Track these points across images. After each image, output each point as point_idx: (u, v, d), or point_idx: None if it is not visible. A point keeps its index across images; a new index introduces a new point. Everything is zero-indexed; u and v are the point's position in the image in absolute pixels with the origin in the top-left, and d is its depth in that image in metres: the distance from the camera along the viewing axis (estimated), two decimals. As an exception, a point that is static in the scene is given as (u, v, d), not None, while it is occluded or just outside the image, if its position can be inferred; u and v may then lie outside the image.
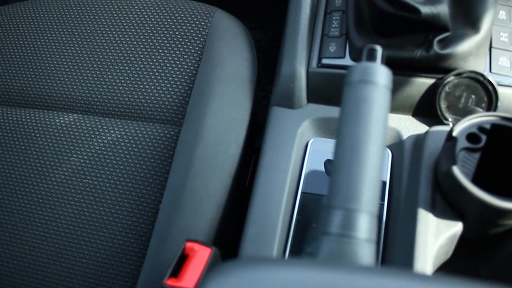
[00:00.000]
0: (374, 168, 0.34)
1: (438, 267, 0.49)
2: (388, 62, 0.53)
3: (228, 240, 0.58)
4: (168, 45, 0.68)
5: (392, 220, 0.48)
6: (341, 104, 0.37)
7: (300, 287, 0.27)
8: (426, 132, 0.51)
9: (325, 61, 0.57)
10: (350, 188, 0.33)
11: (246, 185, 0.66)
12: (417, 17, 0.50)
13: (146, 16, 0.71)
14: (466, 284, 0.26)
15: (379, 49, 0.37)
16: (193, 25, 0.68)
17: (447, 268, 0.50)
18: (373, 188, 0.33)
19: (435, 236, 0.44)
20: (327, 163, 0.54)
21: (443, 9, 0.51)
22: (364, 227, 0.32)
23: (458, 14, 0.54)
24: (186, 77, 0.64)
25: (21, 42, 0.74)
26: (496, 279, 0.49)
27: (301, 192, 0.52)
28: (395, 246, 0.46)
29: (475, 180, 0.44)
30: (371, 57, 0.37)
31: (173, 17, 0.70)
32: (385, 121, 0.36)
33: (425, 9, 0.50)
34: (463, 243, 0.48)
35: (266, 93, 0.67)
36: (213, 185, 0.55)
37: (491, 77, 0.53)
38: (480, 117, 0.47)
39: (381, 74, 0.36)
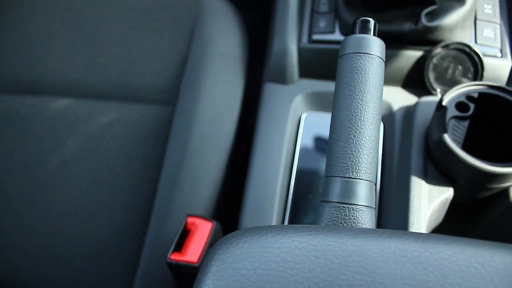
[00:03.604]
0: (371, 138, 0.35)
1: (431, 231, 0.51)
2: (378, 35, 0.55)
3: (227, 214, 0.60)
4: (158, 26, 0.67)
5: (386, 188, 0.50)
6: (336, 75, 0.38)
7: (307, 251, 0.28)
8: (416, 103, 0.53)
9: (315, 36, 0.58)
10: (348, 158, 0.34)
11: (241, 159, 0.67)
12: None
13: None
14: (464, 242, 0.28)
15: (371, 21, 0.38)
16: (183, 5, 0.68)
17: (439, 232, 0.52)
18: (371, 157, 0.35)
19: (428, 202, 0.46)
20: (319, 140, 0.55)
21: (430, -18, 0.52)
22: (363, 194, 0.34)
23: (444, -13, 0.55)
24: (178, 57, 0.64)
25: (12, 28, 0.73)
26: (485, 239, 0.52)
27: (297, 165, 0.53)
28: (390, 213, 0.48)
29: (465, 147, 0.46)
30: (364, 29, 0.38)
31: (161, 2, 0.70)
32: (380, 91, 0.37)
33: (412, -17, 0.51)
34: (453, 208, 0.50)
35: (255, 71, 0.67)
36: (210, 162, 0.56)
37: (477, 48, 0.54)
38: (468, 87, 0.48)
39: (375, 45, 0.37)
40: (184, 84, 0.62)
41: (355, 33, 0.38)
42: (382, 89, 0.37)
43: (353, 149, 0.35)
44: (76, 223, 0.58)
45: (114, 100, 0.65)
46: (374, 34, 0.38)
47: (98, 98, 0.66)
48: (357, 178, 0.34)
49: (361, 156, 0.34)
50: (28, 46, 0.71)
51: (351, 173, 0.34)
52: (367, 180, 0.34)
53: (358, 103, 0.35)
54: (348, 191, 0.34)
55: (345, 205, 0.33)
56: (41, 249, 0.58)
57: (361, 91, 0.36)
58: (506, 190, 0.47)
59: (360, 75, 0.36)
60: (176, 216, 0.53)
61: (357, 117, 0.35)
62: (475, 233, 0.52)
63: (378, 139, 0.36)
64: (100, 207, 0.58)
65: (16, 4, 0.75)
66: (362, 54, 0.36)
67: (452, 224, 0.52)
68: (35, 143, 0.65)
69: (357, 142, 0.35)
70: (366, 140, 0.35)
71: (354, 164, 0.34)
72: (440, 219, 0.50)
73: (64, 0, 0.73)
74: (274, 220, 0.49)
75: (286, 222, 0.50)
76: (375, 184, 0.46)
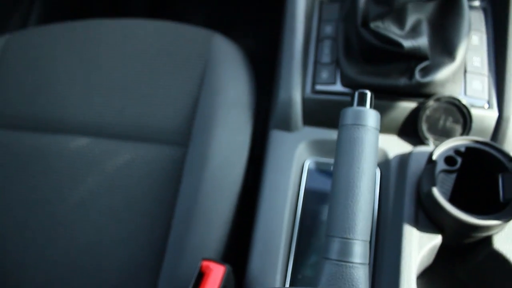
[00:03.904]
0: (366, 202, 0.40)
1: (422, 271, 0.56)
2: (376, 88, 0.60)
3: (237, 254, 0.65)
4: (170, 70, 0.72)
5: (381, 233, 0.55)
6: (336, 142, 0.43)
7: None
8: (410, 153, 0.58)
9: (318, 87, 0.63)
10: (346, 220, 0.40)
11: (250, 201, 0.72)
12: (400, 50, 0.56)
13: (148, 42, 0.75)
14: None
15: (368, 94, 0.43)
16: (193, 50, 0.73)
17: (429, 272, 0.57)
18: (366, 220, 0.40)
19: (418, 248, 0.51)
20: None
21: (423, 42, 0.57)
22: (359, 253, 0.39)
23: (436, 44, 0.60)
24: (190, 100, 0.69)
25: (33, 69, 0.77)
26: (471, 279, 0.57)
27: (301, 210, 0.58)
28: (384, 256, 0.53)
29: (452, 199, 0.51)
30: (362, 101, 0.43)
31: (174, 43, 0.74)
32: (375, 159, 0.42)
33: (407, 43, 0.56)
34: (443, 250, 0.55)
35: (260, 103, 0.72)
36: (221, 205, 0.61)
37: (465, 101, 0.59)
38: (456, 141, 0.53)
39: (371, 118, 0.42)
40: (196, 128, 0.67)
41: (353, 105, 0.43)
42: (377, 156, 0.43)
43: (350, 213, 0.40)
44: (95, 257, 0.63)
45: (130, 140, 0.70)
46: (370, 105, 0.43)
47: (115, 138, 0.70)
48: (353, 239, 0.39)
49: (357, 219, 0.40)
50: (48, 86, 0.76)
51: (348, 234, 0.39)
52: (362, 240, 0.39)
53: (356, 171, 0.41)
54: (345, 251, 0.39)
55: (342, 263, 0.39)
56: (62, 282, 0.63)
57: (358, 160, 0.41)
58: (489, 237, 0.51)
59: (357, 145, 0.41)
60: (189, 256, 0.58)
61: (354, 185, 0.40)
62: (463, 273, 0.57)
63: (373, 202, 0.42)
64: (117, 243, 0.63)
65: (35, 45, 0.80)
66: (360, 126, 0.41)
67: (442, 265, 0.57)
68: (56, 180, 0.70)
69: (354, 207, 0.40)
70: (361, 205, 0.40)
71: (351, 227, 0.39)
72: (430, 260, 0.55)
73: (81, 41, 0.78)
74: (280, 262, 0.54)
75: (290, 264, 0.55)
76: (370, 237, 0.51)
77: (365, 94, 0.43)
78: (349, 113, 0.42)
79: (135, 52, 0.75)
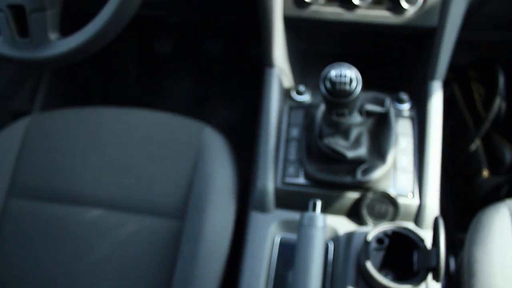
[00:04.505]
0: (316, 276, 0.60)
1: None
2: (329, 183, 0.80)
3: None
4: (169, 156, 0.91)
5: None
6: (297, 236, 0.63)
7: None
8: (353, 233, 0.78)
9: (287, 179, 0.83)
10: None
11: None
12: (345, 159, 0.77)
13: (150, 132, 0.95)
14: None
15: (318, 202, 0.64)
16: (188, 140, 0.92)
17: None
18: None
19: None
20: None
21: (363, 152, 0.78)
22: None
23: (373, 150, 0.81)
24: (185, 183, 0.88)
25: (53, 148, 0.95)
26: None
27: (274, 273, 0.78)
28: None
29: (382, 268, 0.71)
30: (314, 207, 0.64)
31: (171, 133, 0.94)
32: (322, 246, 0.62)
33: (350, 154, 0.77)
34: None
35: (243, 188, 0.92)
36: (212, 267, 0.80)
37: (394, 193, 0.80)
38: (384, 226, 0.74)
39: (319, 220, 0.62)
40: (191, 206, 0.86)
41: (309, 210, 0.64)
42: (323, 246, 0.63)
43: (306, 284, 0.59)
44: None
45: (137, 212, 0.88)
46: (320, 211, 0.64)
47: (123, 210, 0.88)
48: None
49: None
50: (65, 163, 0.94)
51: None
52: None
53: (309, 256, 0.61)
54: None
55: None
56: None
57: (311, 247, 0.61)
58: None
59: (311, 239, 0.61)
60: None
61: (307, 269, 0.60)
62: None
63: (320, 275, 0.62)
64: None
65: (54, 127, 0.98)
66: (312, 226, 0.62)
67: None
68: (74, 245, 0.87)
69: (308, 280, 0.60)
70: (313, 278, 0.60)
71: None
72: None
73: (94, 127, 0.96)
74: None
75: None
76: None
77: (316, 203, 0.64)
78: (306, 216, 0.63)
79: (139, 140, 0.94)
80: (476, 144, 1.34)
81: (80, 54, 0.77)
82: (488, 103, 1.36)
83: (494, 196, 1.23)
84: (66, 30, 0.81)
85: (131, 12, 0.73)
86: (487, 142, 1.35)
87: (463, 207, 1.32)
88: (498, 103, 1.29)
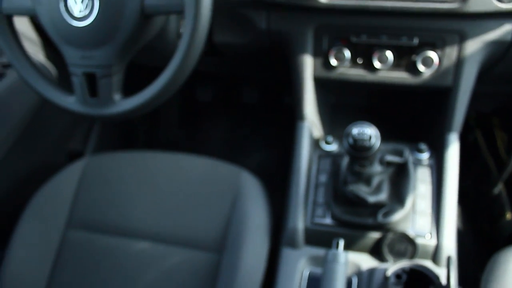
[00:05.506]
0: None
1: None
2: (353, 224, 0.90)
3: None
4: (211, 197, 1.03)
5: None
6: (323, 270, 0.73)
7: None
8: (375, 269, 0.87)
9: (315, 219, 0.94)
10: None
11: None
12: (366, 204, 0.87)
13: (193, 175, 1.07)
14: None
15: (341, 242, 0.74)
16: (227, 182, 1.04)
17: None
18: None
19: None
20: None
21: (383, 197, 0.88)
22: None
23: (393, 195, 0.91)
24: (224, 222, 0.99)
25: (107, 187, 1.09)
26: None
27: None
28: None
29: (400, 303, 0.80)
30: (338, 246, 0.74)
31: (212, 176, 1.06)
32: (344, 282, 0.72)
33: (371, 199, 0.87)
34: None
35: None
36: None
37: (413, 234, 0.89)
38: (403, 264, 0.83)
39: (341, 258, 0.72)
40: (229, 241, 0.97)
41: (333, 248, 0.74)
42: (345, 277, 0.72)
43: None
44: None
45: (180, 246, 0.99)
46: (343, 249, 0.74)
47: (168, 244, 1.00)
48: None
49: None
50: (118, 200, 1.07)
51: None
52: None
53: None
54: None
55: None
56: None
57: (335, 280, 0.71)
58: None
59: (334, 273, 0.71)
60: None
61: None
62: None
63: None
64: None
65: (109, 168, 1.12)
66: (335, 262, 0.72)
67: None
68: (122, 274, 0.98)
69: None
70: None
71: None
72: None
73: (144, 169, 1.09)
74: None
75: None
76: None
77: (339, 242, 0.74)
78: (330, 254, 0.73)
79: (183, 181, 1.07)
80: (499, 188, 1.41)
81: (138, 112, 0.91)
82: (510, 148, 1.43)
83: (517, 238, 1.29)
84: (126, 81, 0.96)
85: (183, 78, 0.88)
86: (509, 185, 1.41)
87: (487, 249, 1.37)
88: (521, 148, 1.36)
